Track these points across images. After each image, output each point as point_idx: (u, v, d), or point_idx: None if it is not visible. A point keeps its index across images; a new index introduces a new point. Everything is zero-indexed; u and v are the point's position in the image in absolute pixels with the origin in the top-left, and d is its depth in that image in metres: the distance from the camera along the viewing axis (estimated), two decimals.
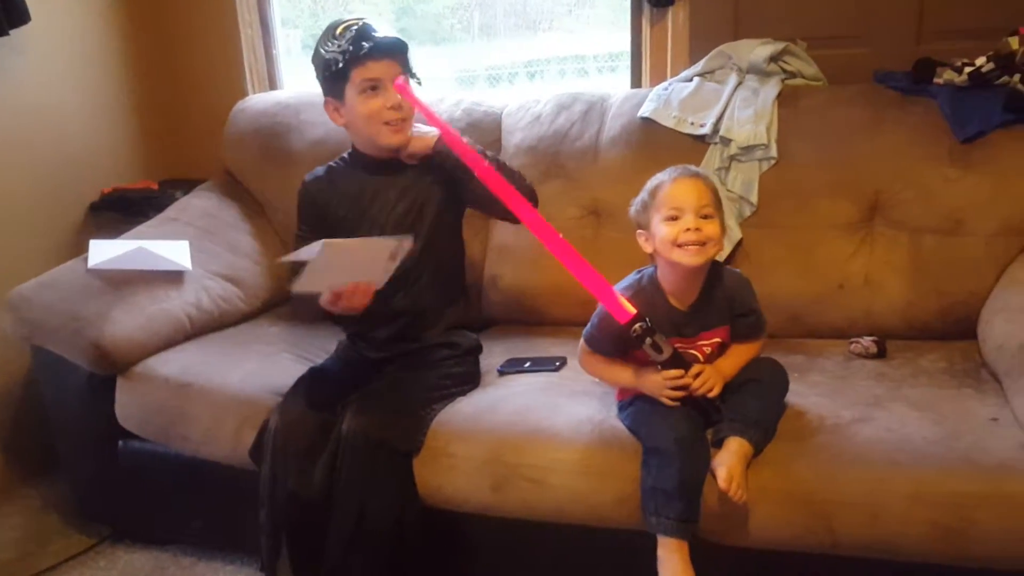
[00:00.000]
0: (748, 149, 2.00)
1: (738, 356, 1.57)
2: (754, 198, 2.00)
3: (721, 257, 1.88)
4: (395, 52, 1.72)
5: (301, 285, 1.52)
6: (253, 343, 2.04)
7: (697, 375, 1.47)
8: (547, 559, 1.66)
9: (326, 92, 1.78)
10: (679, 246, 1.47)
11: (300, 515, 1.60)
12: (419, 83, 1.80)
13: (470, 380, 1.81)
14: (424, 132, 1.78)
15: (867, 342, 1.84)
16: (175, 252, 2.08)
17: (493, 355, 1.93)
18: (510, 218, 1.63)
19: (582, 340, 1.59)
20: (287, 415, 1.65)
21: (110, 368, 1.88)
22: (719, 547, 1.45)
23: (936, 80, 2.01)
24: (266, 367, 1.88)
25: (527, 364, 1.87)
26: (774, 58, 2.13)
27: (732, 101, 2.07)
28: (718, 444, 1.46)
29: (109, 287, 1.96)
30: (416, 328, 1.81)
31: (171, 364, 1.90)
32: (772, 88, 2.07)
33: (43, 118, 2.38)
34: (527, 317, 2.15)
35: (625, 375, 1.55)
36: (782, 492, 1.42)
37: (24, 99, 2.32)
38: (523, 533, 1.61)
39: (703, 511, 1.42)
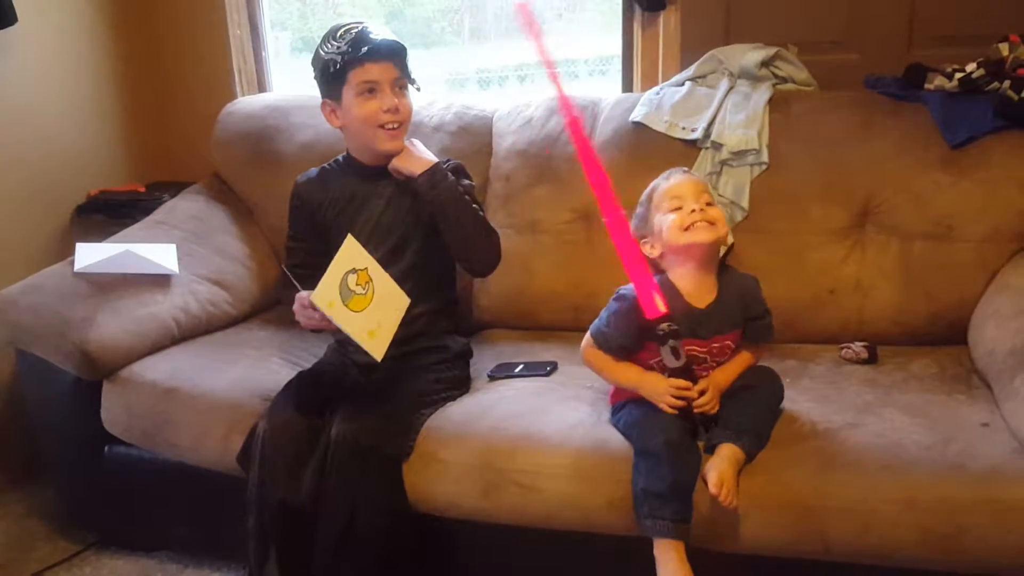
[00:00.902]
0: (739, 154, 2.00)
1: (736, 366, 1.58)
2: (745, 203, 2.00)
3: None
4: (393, 55, 1.72)
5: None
6: (241, 347, 2.02)
7: (702, 392, 1.49)
8: (538, 564, 1.65)
9: (324, 94, 1.78)
10: (688, 228, 1.50)
11: (288, 521, 1.58)
12: (418, 89, 1.80)
13: (460, 385, 1.80)
14: (421, 153, 1.77)
15: (858, 347, 1.84)
16: (162, 255, 2.06)
17: (483, 360, 1.92)
18: (467, 266, 1.81)
19: (588, 334, 1.59)
20: (275, 420, 1.63)
21: (96, 373, 1.86)
22: (710, 553, 1.44)
23: (927, 86, 2.01)
24: (254, 372, 1.87)
25: (517, 369, 1.86)
26: (765, 63, 2.13)
27: (724, 106, 2.06)
28: (710, 451, 1.45)
29: (96, 291, 1.94)
30: (406, 333, 1.79)
31: (158, 369, 1.88)
32: (763, 93, 2.07)
33: (29, 120, 2.35)
34: (517, 322, 2.14)
35: (629, 373, 1.55)
36: (773, 498, 1.42)
37: (10, 101, 2.30)
38: (514, 538, 1.59)
39: (694, 518, 1.41)
